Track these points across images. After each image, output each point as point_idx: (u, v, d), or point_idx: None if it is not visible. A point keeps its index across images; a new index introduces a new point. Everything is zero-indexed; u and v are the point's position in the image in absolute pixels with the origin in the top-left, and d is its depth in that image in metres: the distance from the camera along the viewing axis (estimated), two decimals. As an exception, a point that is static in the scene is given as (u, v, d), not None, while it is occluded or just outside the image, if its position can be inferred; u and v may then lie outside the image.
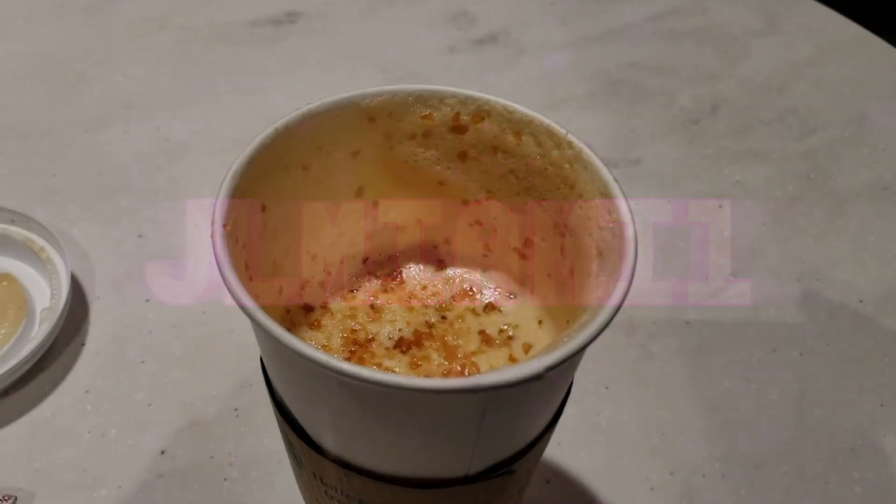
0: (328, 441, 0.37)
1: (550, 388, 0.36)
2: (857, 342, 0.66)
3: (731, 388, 0.62)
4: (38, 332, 0.60)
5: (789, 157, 0.81)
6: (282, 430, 0.41)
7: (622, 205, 0.36)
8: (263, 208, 0.40)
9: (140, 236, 0.69)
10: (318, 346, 0.43)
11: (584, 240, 0.39)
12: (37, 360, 0.59)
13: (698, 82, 0.90)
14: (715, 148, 0.81)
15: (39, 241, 0.65)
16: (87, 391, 0.59)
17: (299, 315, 0.45)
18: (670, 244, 0.72)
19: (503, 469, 0.38)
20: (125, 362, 0.61)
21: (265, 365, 0.39)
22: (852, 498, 0.57)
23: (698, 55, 0.94)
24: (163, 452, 0.56)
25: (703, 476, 0.57)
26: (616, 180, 0.38)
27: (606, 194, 0.37)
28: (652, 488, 0.56)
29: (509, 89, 0.86)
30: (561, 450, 0.58)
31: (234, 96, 0.83)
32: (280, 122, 0.39)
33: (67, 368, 0.60)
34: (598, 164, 0.38)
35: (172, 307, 0.64)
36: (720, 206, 0.75)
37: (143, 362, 0.61)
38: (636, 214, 0.73)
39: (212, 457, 0.56)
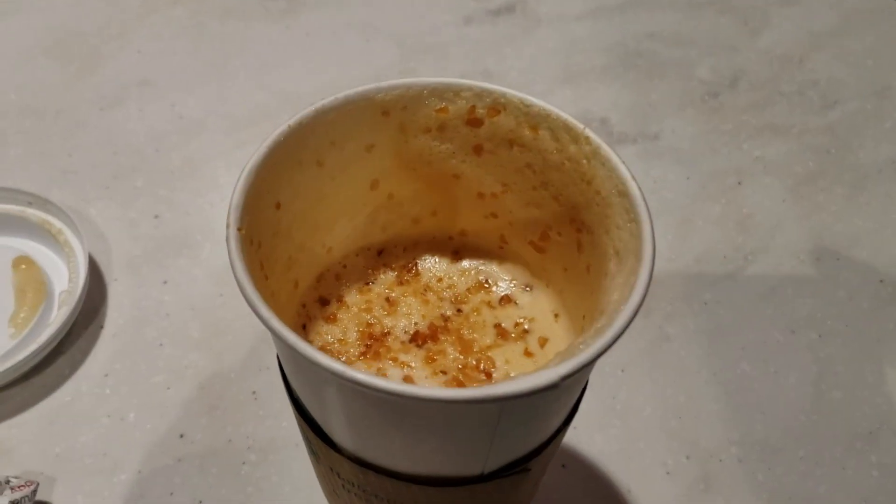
0: (344, 440, 0.38)
1: (566, 392, 0.36)
2: (877, 323, 0.65)
3: (748, 370, 0.62)
4: (57, 315, 0.60)
5: (809, 131, 0.80)
6: (298, 424, 0.41)
7: (640, 204, 0.36)
8: (278, 205, 0.39)
9: (156, 217, 0.69)
10: (335, 341, 0.43)
11: (601, 238, 0.39)
12: (56, 343, 0.59)
13: (717, 53, 0.88)
14: (734, 122, 0.80)
15: (57, 224, 0.65)
16: (106, 375, 0.60)
17: (315, 309, 0.44)
18: (688, 222, 0.71)
19: (519, 467, 0.38)
20: (143, 345, 0.61)
21: (282, 363, 0.39)
22: (870, 482, 0.57)
23: (717, 26, 0.92)
24: (182, 436, 0.57)
25: (720, 460, 0.57)
26: (634, 178, 0.37)
27: (624, 193, 0.37)
28: (668, 472, 0.56)
29: (526, 62, 0.84)
30: (577, 434, 0.58)
31: (248, 72, 0.82)
32: (293, 119, 0.39)
33: (86, 352, 0.61)
34: (616, 160, 0.38)
35: (189, 289, 0.65)
36: (739, 183, 0.74)
37: (161, 345, 0.61)
38: (653, 191, 0.73)
39: (230, 440, 0.57)
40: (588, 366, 0.31)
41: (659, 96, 0.82)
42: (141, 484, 0.55)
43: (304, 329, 0.43)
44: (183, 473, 0.55)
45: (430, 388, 0.30)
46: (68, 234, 0.64)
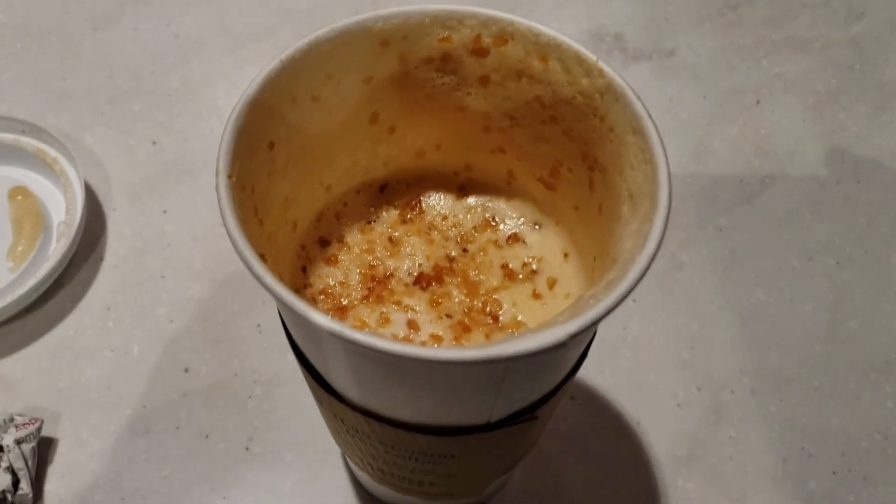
0: (347, 390, 0.36)
1: (576, 345, 0.34)
2: (897, 249, 0.63)
3: (763, 298, 0.60)
4: (56, 248, 0.59)
5: (832, 45, 0.76)
6: (301, 370, 0.40)
7: (656, 144, 0.34)
8: (272, 145, 0.37)
9: (154, 143, 0.67)
10: (336, 284, 0.42)
11: (614, 178, 0.36)
12: (56, 277, 0.58)
13: (739, -40, 0.83)
14: (753, 37, 0.76)
15: (52, 153, 0.63)
16: (108, 308, 0.59)
17: (315, 250, 0.43)
18: (703, 144, 0.68)
19: (526, 415, 0.37)
20: (145, 277, 0.60)
21: (280, 312, 0.38)
22: (884, 413, 0.56)
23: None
24: (186, 370, 0.56)
25: (732, 392, 0.56)
26: (650, 116, 0.35)
27: (639, 131, 0.34)
28: (679, 404, 0.56)
29: (536, -28, 0.80)
30: (586, 365, 0.56)
31: (245, -13, 0.78)
32: (285, 54, 0.36)
33: (87, 285, 0.60)
34: (631, 95, 0.35)
35: (190, 218, 0.63)
36: (757, 102, 0.71)
37: (163, 277, 0.60)
38: (668, 110, 0.70)
39: (236, 374, 0.56)
40: (598, 321, 0.29)
41: (675, 9, 0.78)
42: (146, 418, 0.54)
43: (303, 272, 0.42)
44: (188, 407, 0.55)
45: (430, 348, 0.28)
46: (64, 164, 0.63)
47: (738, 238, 0.63)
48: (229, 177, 0.33)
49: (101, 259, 0.61)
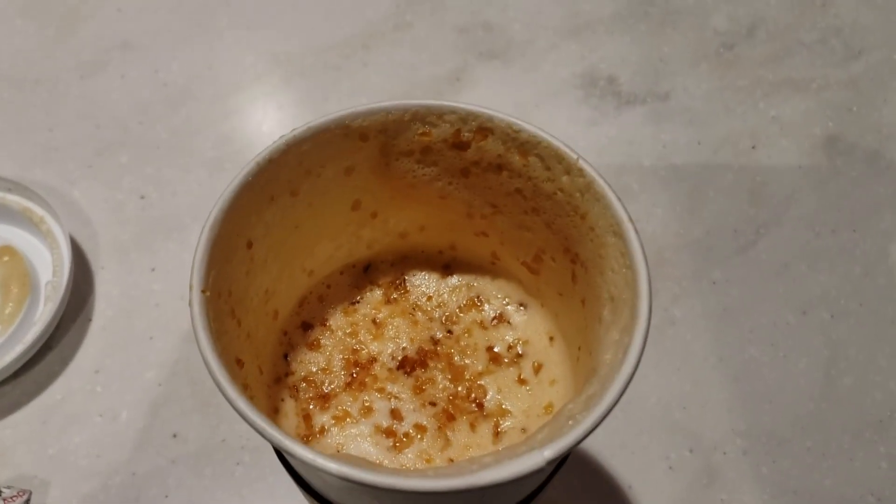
0: (326, 493, 0.36)
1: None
2: (893, 301, 0.63)
3: (757, 355, 0.60)
4: (44, 311, 0.58)
5: (830, 86, 0.75)
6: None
7: (636, 250, 0.33)
8: (250, 245, 0.37)
9: (142, 197, 0.66)
10: (318, 370, 0.42)
11: (595, 277, 0.36)
12: (44, 340, 0.58)
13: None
14: (750, 78, 0.75)
15: (39, 211, 0.63)
16: (97, 371, 0.58)
17: (297, 335, 0.42)
18: (698, 192, 0.68)
19: (509, 516, 0.37)
20: (133, 338, 0.60)
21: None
22: (878, 474, 0.55)
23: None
24: (175, 436, 0.56)
25: (724, 453, 0.56)
26: (631, 219, 0.34)
27: (620, 234, 0.34)
28: (670, 467, 0.55)
29: (529, 12, 0.79)
30: (577, 428, 0.56)
31: (235, 31, 0.78)
32: (262, 155, 0.36)
33: (75, 347, 0.59)
34: (612, 197, 0.35)
35: (179, 276, 0.63)
36: (753, 147, 0.70)
37: (151, 338, 0.60)
38: (662, 157, 0.69)
39: (224, 440, 0.56)
40: (577, 444, 0.29)
41: (671, 49, 0.77)
42: (136, 486, 0.54)
43: (285, 359, 0.41)
44: (177, 475, 0.55)
45: (405, 477, 0.28)
46: (50, 223, 0.62)
47: (733, 292, 0.63)
48: (203, 291, 0.32)
49: (90, 320, 0.60)
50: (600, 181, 0.35)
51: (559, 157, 0.36)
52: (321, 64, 0.75)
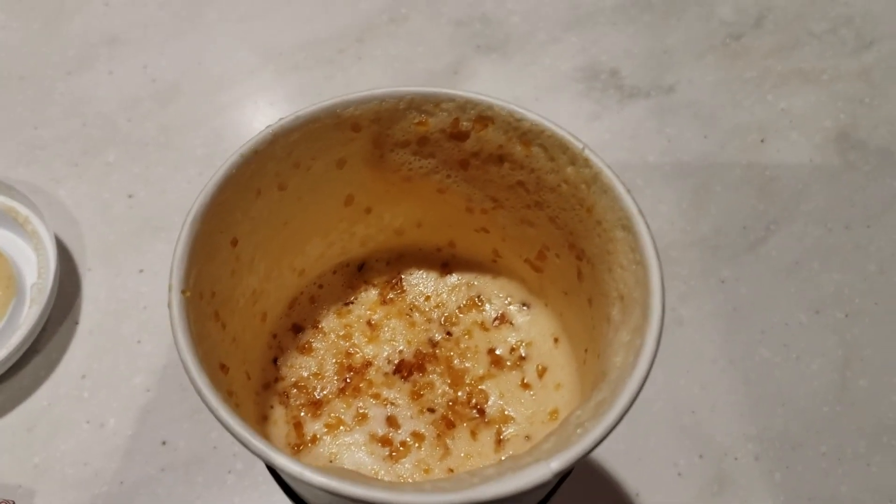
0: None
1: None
2: (910, 299, 0.60)
3: (769, 357, 0.57)
4: (29, 314, 0.56)
5: (841, 77, 0.72)
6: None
7: (648, 245, 0.31)
8: (234, 242, 0.35)
9: (130, 196, 0.64)
10: (310, 375, 0.39)
11: (603, 275, 0.34)
12: (30, 344, 0.56)
13: (741, -15, 0.80)
14: (758, 69, 0.73)
15: (23, 211, 0.61)
16: (84, 376, 0.56)
17: (288, 338, 0.40)
18: (705, 188, 0.65)
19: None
20: (121, 342, 0.58)
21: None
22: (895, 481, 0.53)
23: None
24: (164, 443, 0.54)
25: (735, 459, 0.53)
26: (641, 212, 0.32)
27: (629, 228, 0.32)
28: (679, 473, 0.53)
29: (528, 4, 0.77)
30: (583, 433, 0.54)
31: (225, 25, 0.75)
32: (247, 146, 0.33)
33: (62, 350, 0.57)
34: (620, 188, 0.32)
35: (168, 278, 0.60)
36: (762, 141, 0.68)
37: (139, 342, 0.58)
38: (668, 152, 0.67)
39: (215, 447, 0.54)
40: (586, 454, 0.27)
41: (676, 41, 0.75)
42: (123, 496, 0.52)
43: (274, 364, 0.39)
44: (167, 484, 0.52)
45: (403, 492, 0.26)
46: (35, 223, 0.60)
47: (742, 291, 0.60)
48: (183, 292, 0.30)
49: (76, 323, 0.58)
50: (608, 172, 0.33)
51: (563, 147, 0.34)
52: (314, 58, 0.72)
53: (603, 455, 0.54)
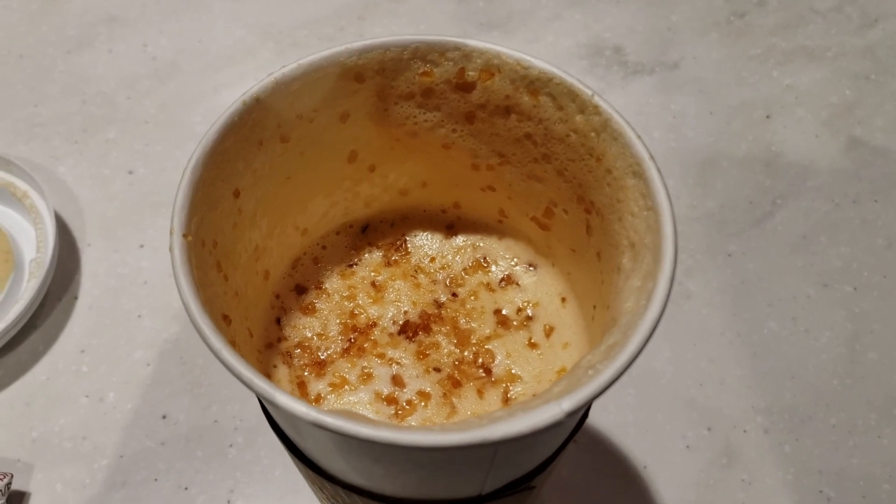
0: (324, 463, 0.33)
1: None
2: (918, 273, 0.60)
3: (777, 330, 0.57)
4: (27, 288, 0.56)
5: (847, 54, 0.72)
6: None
7: (659, 189, 0.30)
8: (237, 193, 0.34)
9: (130, 173, 0.63)
10: (313, 335, 0.39)
11: (612, 224, 0.33)
12: (28, 318, 0.55)
13: (745, -35, 0.80)
14: (763, 46, 0.72)
15: (22, 186, 0.60)
16: (83, 350, 0.55)
17: (290, 299, 0.39)
18: (711, 163, 0.65)
19: (521, 486, 0.34)
20: (120, 317, 0.57)
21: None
22: (907, 452, 0.52)
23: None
24: (164, 417, 0.53)
25: (744, 431, 0.53)
26: (652, 157, 0.31)
27: (640, 174, 0.31)
28: (688, 446, 0.52)
29: (532, -19, 0.77)
30: (589, 406, 0.53)
31: (225, 3, 0.75)
32: (248, 94, 0.33)
33: (60, 326, 0.56)
34: (631, 135, 0.32)
35: (168, 254, 0.60)
36: (767, 117, 0.68)
37: (139, 316, 0.57)
38: (672, 128, 0.66)
39: (216, 421, 0.53)
40: (598, 395, 0.26)
41: (679, 17, 0.74)
42: (123, 470, 0.51)
43: (278, 323, 0.39)
44: (167, 458, 0.52)
45: (409, 431, 0.25)
46: (34, 197, 0.59)
47: (749, 265, 0.60)
48: (185, 236, 0.30)
49: (76, 298, 0.57)
50: (618, 118, 0.32)
51: (572, 95, 0.33)
52: (315, 36, 0.72)
53: (611, 428, 0.53)
